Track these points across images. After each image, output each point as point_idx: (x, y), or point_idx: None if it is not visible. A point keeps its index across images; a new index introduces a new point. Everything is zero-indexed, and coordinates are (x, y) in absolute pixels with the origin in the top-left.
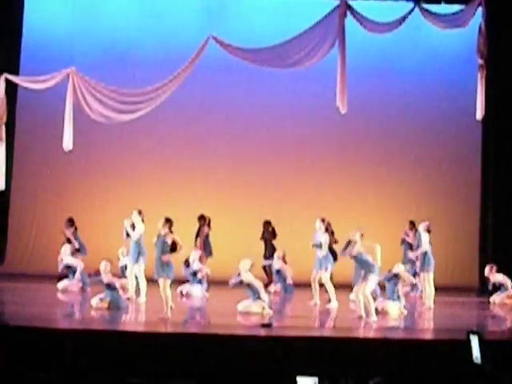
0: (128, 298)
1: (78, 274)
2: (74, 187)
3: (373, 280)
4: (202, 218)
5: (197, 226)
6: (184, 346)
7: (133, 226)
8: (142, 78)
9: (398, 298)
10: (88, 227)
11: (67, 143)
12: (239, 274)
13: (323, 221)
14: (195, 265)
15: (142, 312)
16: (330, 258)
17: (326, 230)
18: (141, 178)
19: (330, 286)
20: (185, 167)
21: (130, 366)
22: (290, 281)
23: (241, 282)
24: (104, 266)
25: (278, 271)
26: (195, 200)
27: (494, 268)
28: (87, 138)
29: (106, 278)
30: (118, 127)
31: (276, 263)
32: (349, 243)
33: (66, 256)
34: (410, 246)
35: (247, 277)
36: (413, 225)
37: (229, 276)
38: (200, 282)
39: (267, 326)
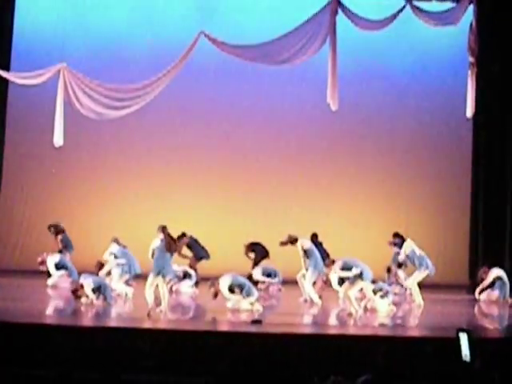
0: (118, 295)
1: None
2: (64, 184)
3: (360, 285)
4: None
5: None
6: (174, 343)
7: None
8: (134, 75)
9: (386, 294)
10: (78, 224)
11: (57, 139)
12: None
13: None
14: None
15: (133, 308)
16: (320, 265)
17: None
18: (132, 174)
19: (313, 294)
20: (177, 164)
21: (120, 363)
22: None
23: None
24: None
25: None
26: (188, 197)
27: (486, 268)
28: (78, 134)
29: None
30: (109, 123)
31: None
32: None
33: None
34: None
35: (230, 296)
36: (398, 236)
37: (220, 273)
38: (189, 277)
39: (257, 322)
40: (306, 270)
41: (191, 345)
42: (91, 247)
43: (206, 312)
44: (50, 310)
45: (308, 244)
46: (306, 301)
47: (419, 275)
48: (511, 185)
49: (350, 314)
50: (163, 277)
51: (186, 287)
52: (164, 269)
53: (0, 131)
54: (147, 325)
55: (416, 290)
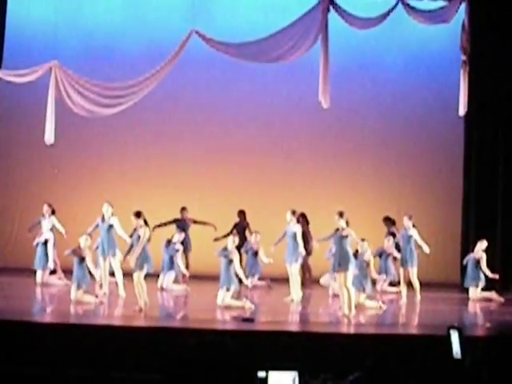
0: (104, 293)
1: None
2: (56, 182)
3: (351, 272)
4: (183, 209)
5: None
6: (163, 340)
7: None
8: (126, 72)
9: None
10: (71, 222)
11: (49, 137)
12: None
13: (293, 213)
14: (177, 245)
15: (121, 306)
16: (302, 249)
17: (298, 221)
18: (125, 170)
19: (297, 279)
20: (170, 160)
21: (110, 360)
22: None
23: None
24: (84, 241)
25: (256, 253)
26: (181, 194)
27: None
28: (70, 131)
29: (83, 252)
30: (100, 120)
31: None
32: (337, 230)
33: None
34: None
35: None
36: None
37: (210, 271)
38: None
39: (249, 320)
40: (296, 258)
41: (180, 343)
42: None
43: (197, 310)
44: (40, 308)
45: (299, 228)
46: (292, 300)
47: (415, 270)
48: (503, 183)
49: (343, 315)
50: (140, 271)
51: (177, 286)
52: (140, 263)
53: None
54: (135, 323)
55: (418, 287)
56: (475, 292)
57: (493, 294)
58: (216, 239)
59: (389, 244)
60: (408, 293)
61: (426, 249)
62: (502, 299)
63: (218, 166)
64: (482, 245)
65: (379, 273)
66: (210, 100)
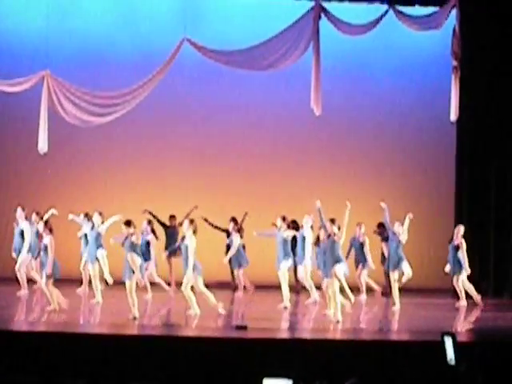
0: (97, 302)
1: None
2: (49, 191)
3: (340, 272)
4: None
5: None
6: (157, 349)
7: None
8: (119, 80)
9: None
10: (63, 230)
11: (42, 146)
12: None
13: (284, 219)
14: (149, 237)
15: (114, 314)
16: (290, 254)
17: (288, 227)
18: (118, 180)
19: (284, 284)
20: (165, 168)
21: (101, 369)
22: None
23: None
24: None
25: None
26: (176, 201)
27: None
28: (64, 140)
29: (45, 239)
30: (94, 129)
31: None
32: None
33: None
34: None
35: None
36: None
37: (209, 279)
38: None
39: (242, 328)
40: (286, 262)
41: (172, 351)
42: (76, 252)
43: (188, 317)
44: (30, 317)
45: (289, 233)
46: (285, 308)
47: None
48: (495, 188)
49: (337, 322)
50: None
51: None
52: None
53: None
54: (127, 331)
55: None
56: (459, 279)
57: (477, 297)
58: (205, 219)
59: (360, 232)
60: (400, 299)
61: (410, 215)
62: (481, 303)
63: (211, 173)
64: (460, 230)
65: (356, 263)
66: (203, 107)
